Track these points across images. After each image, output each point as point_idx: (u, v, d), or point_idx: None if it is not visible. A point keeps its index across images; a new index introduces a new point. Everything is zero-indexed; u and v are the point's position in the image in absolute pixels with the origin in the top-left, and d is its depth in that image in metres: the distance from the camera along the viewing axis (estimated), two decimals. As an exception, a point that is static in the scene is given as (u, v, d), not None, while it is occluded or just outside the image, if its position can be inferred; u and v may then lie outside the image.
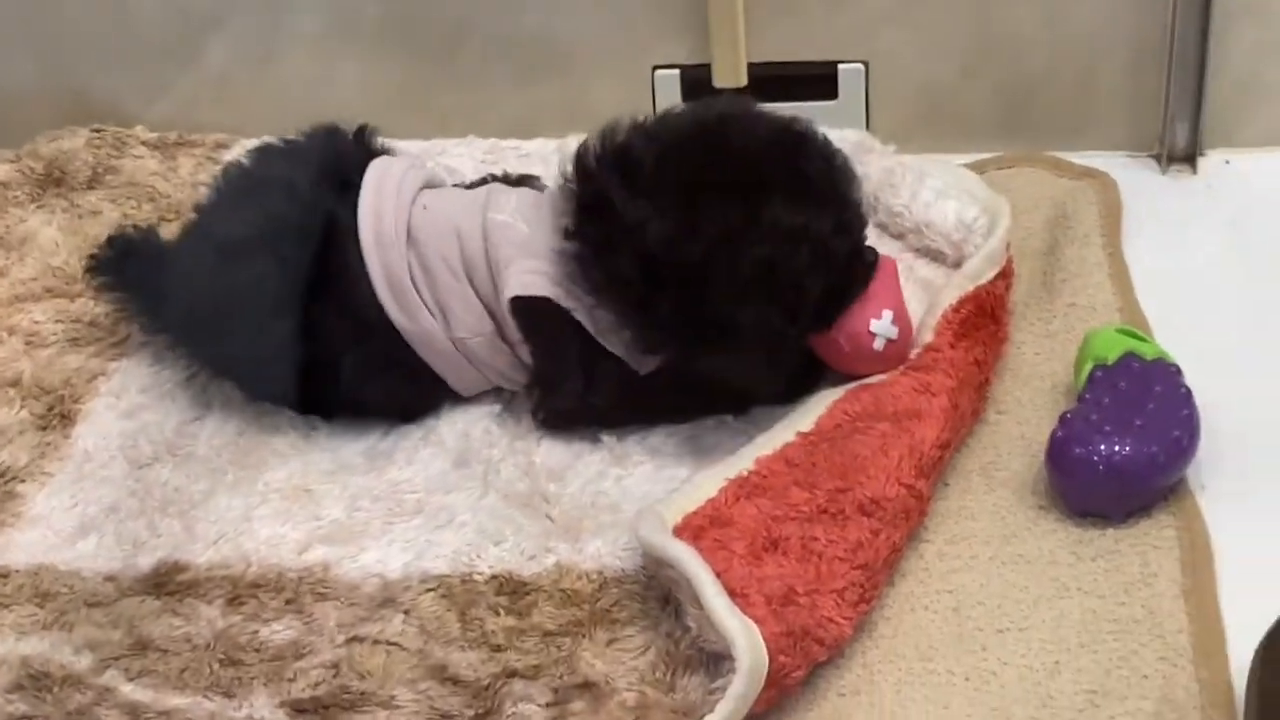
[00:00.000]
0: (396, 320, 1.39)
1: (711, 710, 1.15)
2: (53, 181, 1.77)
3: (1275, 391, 1.44)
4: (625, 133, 1.34)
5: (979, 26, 1.74)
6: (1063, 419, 1.34)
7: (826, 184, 1.33)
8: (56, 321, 1.60)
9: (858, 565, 1.25)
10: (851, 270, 1.36)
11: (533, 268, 1.36)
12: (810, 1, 1.73)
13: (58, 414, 1.50)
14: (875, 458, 1.31)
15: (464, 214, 1.40)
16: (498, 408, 1.47)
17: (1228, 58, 1.70)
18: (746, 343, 1.31)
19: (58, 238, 1.70)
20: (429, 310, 1.39)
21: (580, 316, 1.35)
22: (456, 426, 1.45)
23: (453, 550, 1.33)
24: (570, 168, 1.36)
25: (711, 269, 1.28)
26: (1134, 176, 1.72)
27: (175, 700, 1.22)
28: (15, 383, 1.53)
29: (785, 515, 1.28)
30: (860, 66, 1.76)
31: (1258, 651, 1.13)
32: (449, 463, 1.42)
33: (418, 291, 1.38)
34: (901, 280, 1.42)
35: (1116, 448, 1.30)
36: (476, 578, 1.31)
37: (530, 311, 1.36)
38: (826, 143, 1.37)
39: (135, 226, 1.65)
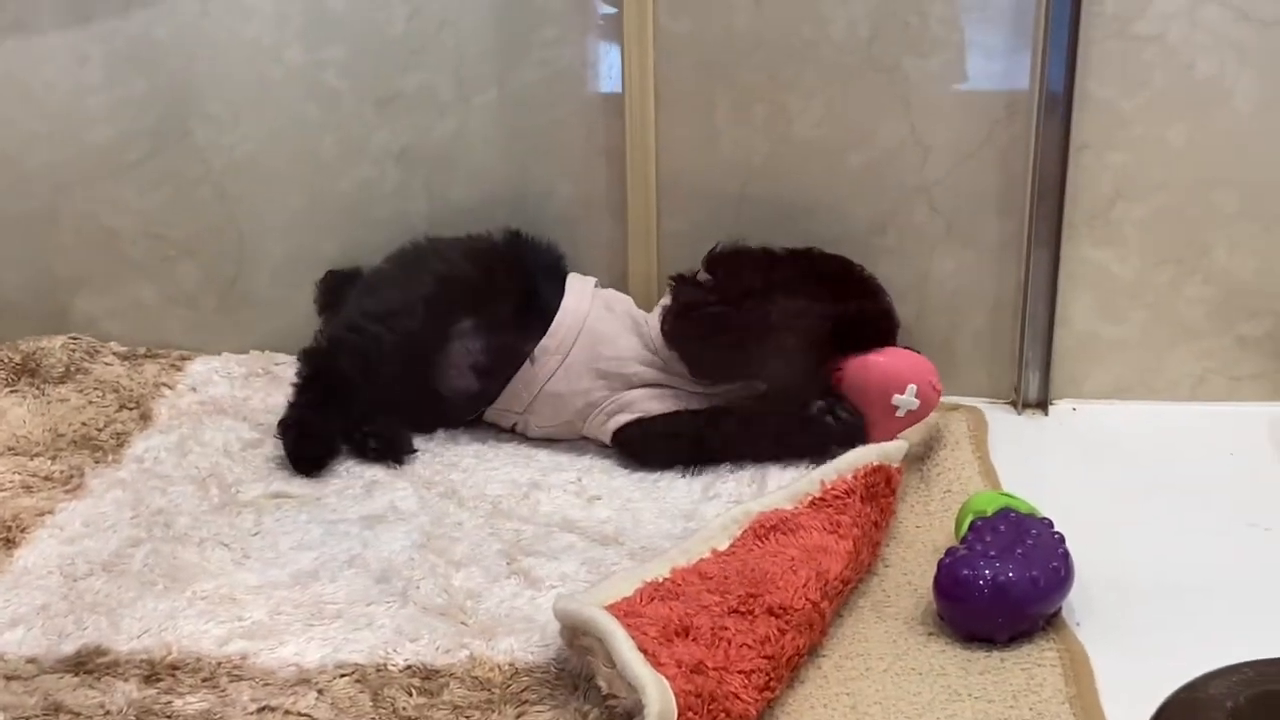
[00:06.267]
0: None
1: (620, 766, 0.98)
2: (27, 372, 1.62)
3: (1132, 568, 1.31)
4: None
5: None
6: (949, 551, 1.21)
7: None
8: (15, 474, 1.44)
9: (765, 655, 1.09)
10: None
11: None
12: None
13: (1, 539, 1.32)
14: (785, 575, 1.18)
15: None
16: (423, 540, 1.31)
17: (1072, 318, 1.64)
18: None
19: (26, 415, 1.55)
20: None
21: None
22: (381, 554, 1.29)
23: (370, 646, 1.16)
24: None
25: None
26: (993, 417, 1.62)
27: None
28: (-36, 516, 1.35)
29: (698, 611, 1.13)
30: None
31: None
32: (371, 580, 1.25)
33: None
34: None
35: (999, 568, 1.17)
36: (391, 667, 1.13)
37: None
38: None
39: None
